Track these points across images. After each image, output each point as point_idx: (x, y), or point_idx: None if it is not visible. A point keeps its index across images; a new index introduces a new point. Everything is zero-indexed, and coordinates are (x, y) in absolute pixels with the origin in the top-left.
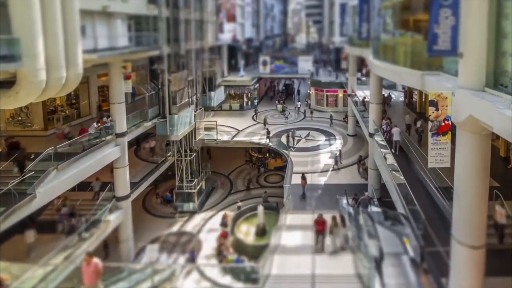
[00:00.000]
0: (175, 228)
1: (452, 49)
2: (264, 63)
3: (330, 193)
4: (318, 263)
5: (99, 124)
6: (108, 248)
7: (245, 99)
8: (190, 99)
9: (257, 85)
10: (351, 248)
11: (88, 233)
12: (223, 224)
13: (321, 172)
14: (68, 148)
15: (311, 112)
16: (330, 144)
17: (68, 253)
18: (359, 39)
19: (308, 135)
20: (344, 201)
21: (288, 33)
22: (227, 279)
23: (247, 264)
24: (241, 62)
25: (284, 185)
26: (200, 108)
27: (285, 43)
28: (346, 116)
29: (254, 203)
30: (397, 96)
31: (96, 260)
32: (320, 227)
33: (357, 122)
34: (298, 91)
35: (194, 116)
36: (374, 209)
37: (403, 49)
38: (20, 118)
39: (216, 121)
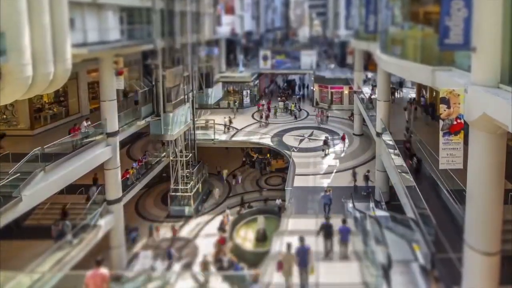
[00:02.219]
0: (169, 234)
1: (464, 43)
2: (265, 58)
3: (334, 196)
4: (322, 270)
5: (90, 123)
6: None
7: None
8: (186, 97)
9: (257, 81)
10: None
11: (77, 239)
12: (221, 229)
13: (325, 174)
14: (56, 149)
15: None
16: (334, 144)
17: (56, 260)
18: (365, 32)
19: (311, 134)
20: (350, 204)
21: (290, 26)
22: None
23: (247, 271)
24: (240, 57)
25: (285, 188)
26: (197, 108)
27: (286, 37)
28: (352, 115)
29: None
30: (405, 93)
31: (103, 270)
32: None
33: (364, 120)
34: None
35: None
36: (382, 213)
37: (412, 43)
38: (5, 116)
39: (213, 120)
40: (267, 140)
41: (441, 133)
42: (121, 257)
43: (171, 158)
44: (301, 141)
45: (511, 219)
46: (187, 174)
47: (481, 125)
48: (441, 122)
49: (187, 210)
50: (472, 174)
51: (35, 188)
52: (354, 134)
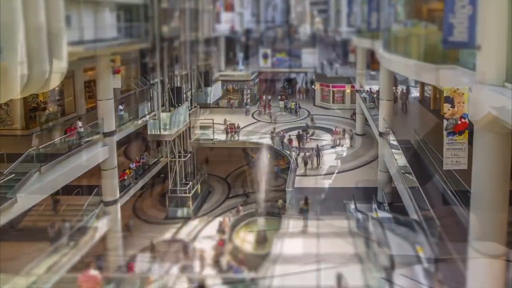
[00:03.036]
0: (167, 235)
1: (469, 41)
2: (265, 56)
3: (336, 198)
4: (324, 273)
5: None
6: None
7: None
8: (185, 96)
9: (257, 80)
10: None
11: (73, 241)
12: (220, 231)
13: (326, 174)
14: (51, 149)
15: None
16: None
17: (52, 262)
18: (368, 30)
19: (312, 134)
20: (352, 206)
21: (291, 24)
22: None
23: (247, 274)
24: (240, 55)
25: (286, 189)
26: (195, 106)
27: (287, 35)
28: (354, 114)
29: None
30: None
31: (93, 272)
32: None
33: (366, 120)
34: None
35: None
36: (384, 214)
37: (416, 40)
38: None
39: (212, 119)
40: (267, 140)
41: (445, 132)
42: (118, 259)
43: (169, 158)
44: None
45: None
46: (186, 175)
47: (486, 124)
48: (445, 122)
49: (185, 211)
50: (476, 174)
51: (31, 189)
52: (356, 134)
